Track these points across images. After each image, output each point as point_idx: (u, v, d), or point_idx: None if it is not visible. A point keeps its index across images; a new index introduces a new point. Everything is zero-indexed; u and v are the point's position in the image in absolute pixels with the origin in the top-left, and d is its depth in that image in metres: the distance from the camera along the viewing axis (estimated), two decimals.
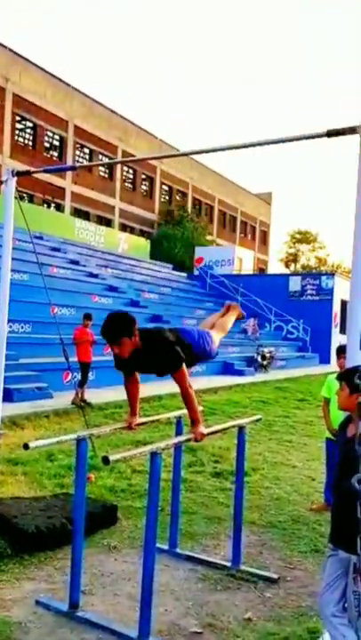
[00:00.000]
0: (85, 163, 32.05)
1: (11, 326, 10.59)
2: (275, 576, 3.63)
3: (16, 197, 3.90)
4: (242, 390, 13.12)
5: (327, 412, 5.07)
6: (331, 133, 2.60)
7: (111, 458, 2.62)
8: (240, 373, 15.81)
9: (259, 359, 17.55)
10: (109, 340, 3.01)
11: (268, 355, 17.90)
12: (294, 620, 3.13)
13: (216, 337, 3.61)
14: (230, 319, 3.97)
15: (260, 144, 2.96)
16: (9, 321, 4.13)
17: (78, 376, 10.14)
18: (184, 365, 3.13)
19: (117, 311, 3.19)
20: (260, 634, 2.97)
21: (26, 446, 2.97)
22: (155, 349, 3.09)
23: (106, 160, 33.36)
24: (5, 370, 4.04)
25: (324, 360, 22.43)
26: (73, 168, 4.66)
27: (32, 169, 4.18)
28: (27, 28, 75.15)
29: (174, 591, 3.40)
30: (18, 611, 3.06)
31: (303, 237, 59.53)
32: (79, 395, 9.07)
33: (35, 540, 3.73)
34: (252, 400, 11.56)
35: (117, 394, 9.82)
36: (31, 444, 2.99)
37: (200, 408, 3.33)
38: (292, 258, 60.18)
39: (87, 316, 9.42)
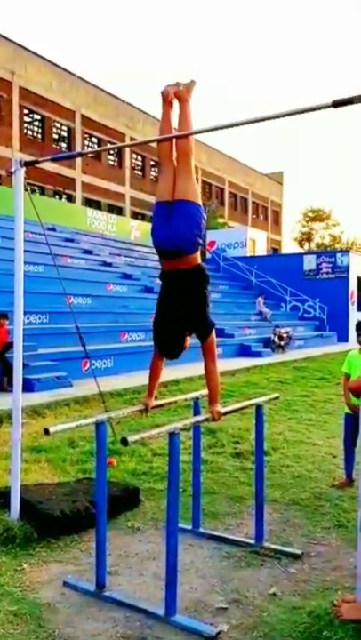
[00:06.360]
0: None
1: (28, 318, 10.72)
2: (298, 552, 3.65)
3: (26, 190, 3.87)
4: (260, 372, 13.10)
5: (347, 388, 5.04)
6: (337, 103, 2.54)
7: (130, 439, 2.65)
8: (257, 355, 15.78)
9: (276, 340, 17.47)
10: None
11: (285, 335, 17.81)
12: (319, 595, 3.14)
13: None
14: None
15: (265, 119, 2.90)
16: (26, 312, 4.16)
17: (97, 364, 10.22)
18: (214, 333, 3.14)
19: None
20: (286, 608, 2.99)
21: (46, 431, 3.02)
22: (194, 285, 3.13)
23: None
24: (25, 360, 4.09)
25: (342, 338, 22.26)
26: (80, 154, 4.66)
27: (40, 159, 4.16)
28: (28, 19, 74.76)
29: (199, 569, 3.45)
30: (46, 592, 3.13)
31: (316, 215, 58.79)
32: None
33: (60, 523, 3.80)
34: (271, 381, 11.55)
35: (135, 380, 9.91)
36: (51, 429, 3.03)
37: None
38: (306, 237, 59.55)
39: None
